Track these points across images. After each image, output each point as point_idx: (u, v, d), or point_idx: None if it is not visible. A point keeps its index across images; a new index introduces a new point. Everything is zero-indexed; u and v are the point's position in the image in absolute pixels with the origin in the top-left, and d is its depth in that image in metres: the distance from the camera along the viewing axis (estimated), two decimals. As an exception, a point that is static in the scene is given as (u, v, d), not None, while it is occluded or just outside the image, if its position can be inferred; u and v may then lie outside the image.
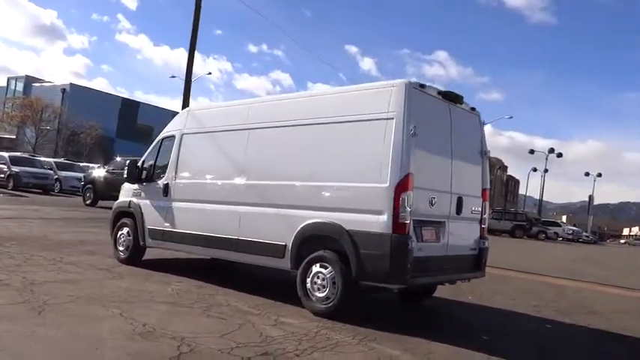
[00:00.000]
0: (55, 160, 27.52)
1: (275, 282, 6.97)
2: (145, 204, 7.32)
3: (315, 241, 5.41)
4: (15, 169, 21.96)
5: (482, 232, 6.10)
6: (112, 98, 54.67)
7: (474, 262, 5.97)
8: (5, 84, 54.91)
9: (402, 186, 4.89)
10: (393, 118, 5.07)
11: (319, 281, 5.27)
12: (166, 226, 6.95)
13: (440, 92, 5.63)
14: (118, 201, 7.91)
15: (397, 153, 4.96)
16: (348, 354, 4.15)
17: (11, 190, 21.23)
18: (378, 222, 4.96)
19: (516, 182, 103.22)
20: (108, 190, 16.74)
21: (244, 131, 6.40)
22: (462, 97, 5.81)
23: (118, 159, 19.03)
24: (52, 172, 23.33)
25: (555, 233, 42.94)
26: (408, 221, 4.91)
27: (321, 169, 5.56)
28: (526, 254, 19.91)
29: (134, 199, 7.52)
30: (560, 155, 52.78)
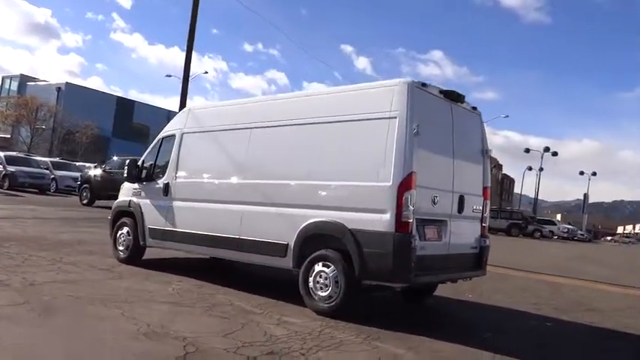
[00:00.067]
0: (51, 159, 27.32)
1: (276, 281, 6.96)
2: (145, 203, 7.29)
3: (318, 240, 5.40)
4: (11, 168, 21.81)
5: (484, 231, 6.11)
6: (108, 97, 54.43)
7: (475, 261, 5.99)
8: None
9: (404, 185, 4.89)
10: (395, 117, 5.07)
11: (322, 280, 5.26)
12: (167, 226, 6.92)
13: (442, 91, 5.64)
14: (117, 200, 7.87)
15: (400, 152, 4.96)
16: (352, 353, 4.15)
17: (7, 189, 21.09)
18: (381, 221, 4.96)
19: (511, 181, 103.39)
20: (105, 189, 16.69)
21: (246, 130, 6.38)
22: (463, 97, 5.82)
23: (115, 158, 18.98)
24: (48, 171, 23.16)
25: (551, 231, 43.17)
26: (411, 220, 4.91)
27: (322, 168, 5.55)
28: (522, 252, 19.97)
29: (134, 199, 7.49)
30: (555, 154, 52.93)
